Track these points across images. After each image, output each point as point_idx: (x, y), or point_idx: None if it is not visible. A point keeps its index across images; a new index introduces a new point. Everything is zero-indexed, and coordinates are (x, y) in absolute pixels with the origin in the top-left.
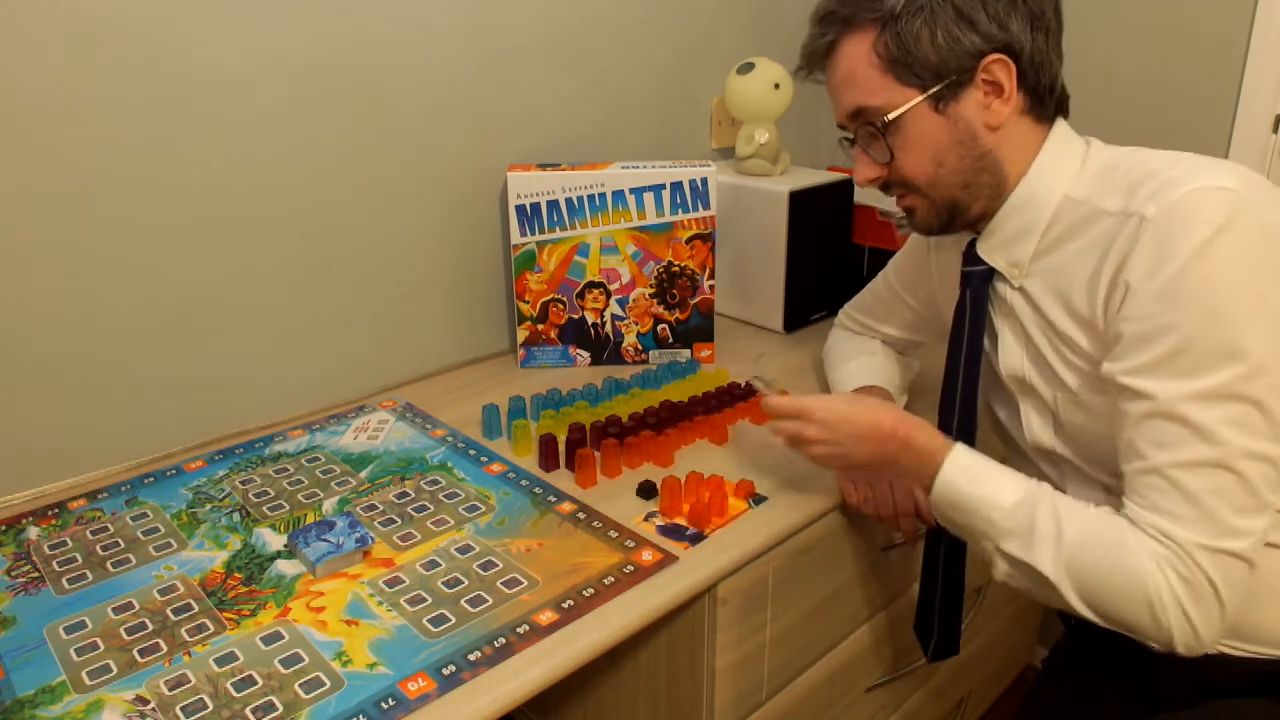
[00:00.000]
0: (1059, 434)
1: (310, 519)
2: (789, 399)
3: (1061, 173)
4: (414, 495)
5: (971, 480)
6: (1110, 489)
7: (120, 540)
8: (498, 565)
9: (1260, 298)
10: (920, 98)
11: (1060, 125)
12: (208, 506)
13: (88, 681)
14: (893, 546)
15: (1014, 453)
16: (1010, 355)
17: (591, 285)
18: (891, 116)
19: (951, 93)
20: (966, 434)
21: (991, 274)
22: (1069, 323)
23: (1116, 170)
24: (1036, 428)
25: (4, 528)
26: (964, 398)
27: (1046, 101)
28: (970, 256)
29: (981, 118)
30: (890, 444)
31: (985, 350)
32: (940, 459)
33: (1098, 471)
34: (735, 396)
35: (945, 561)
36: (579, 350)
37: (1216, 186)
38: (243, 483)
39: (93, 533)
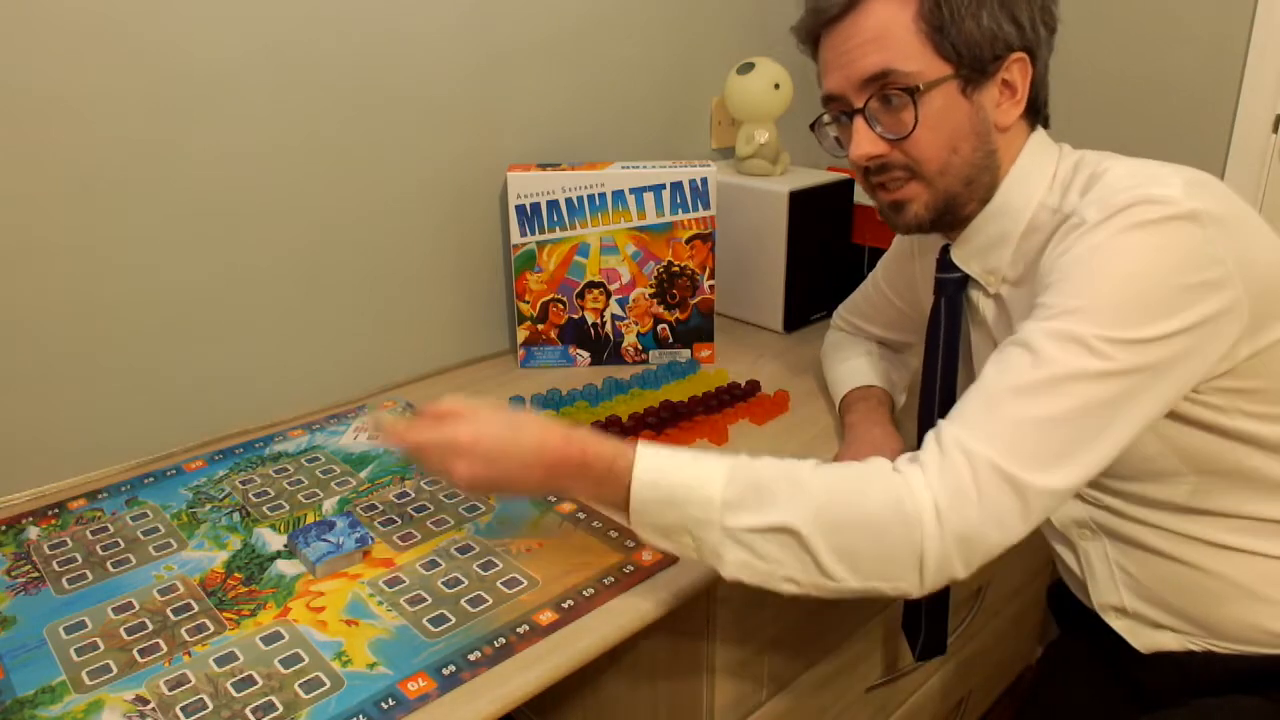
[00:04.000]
0: None
1: (310, 519)
2: (420, 426)
3: (1037, 180)
4: (414, 495)
5: (673, 469)
6: (1088, 499)
7: (120, 540)
8: (498, 565)
9: (1151, 285)
10: (954, 75)
11: (1039, 133)
12: (208, 506)
13: (88, 681)
14: None
15: None
16: (983, 364)
17: (591, 285)
18: (926, 83)
19: (978, 80)
20: None
21: (965, 281)
22: None
23: (1079, 175)
24: None
25: (4, 528)
26: (942, 406)
27: (1040, 112)
28: (944, 263)
29: (994, 115)
30: (565, 466)
31: (962, 356)
32: (627, 461)
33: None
34: (735, 396)
35: None
36: (579, 350)
37: (1159, 192)
38: (243, 483)
39: (93, 533)
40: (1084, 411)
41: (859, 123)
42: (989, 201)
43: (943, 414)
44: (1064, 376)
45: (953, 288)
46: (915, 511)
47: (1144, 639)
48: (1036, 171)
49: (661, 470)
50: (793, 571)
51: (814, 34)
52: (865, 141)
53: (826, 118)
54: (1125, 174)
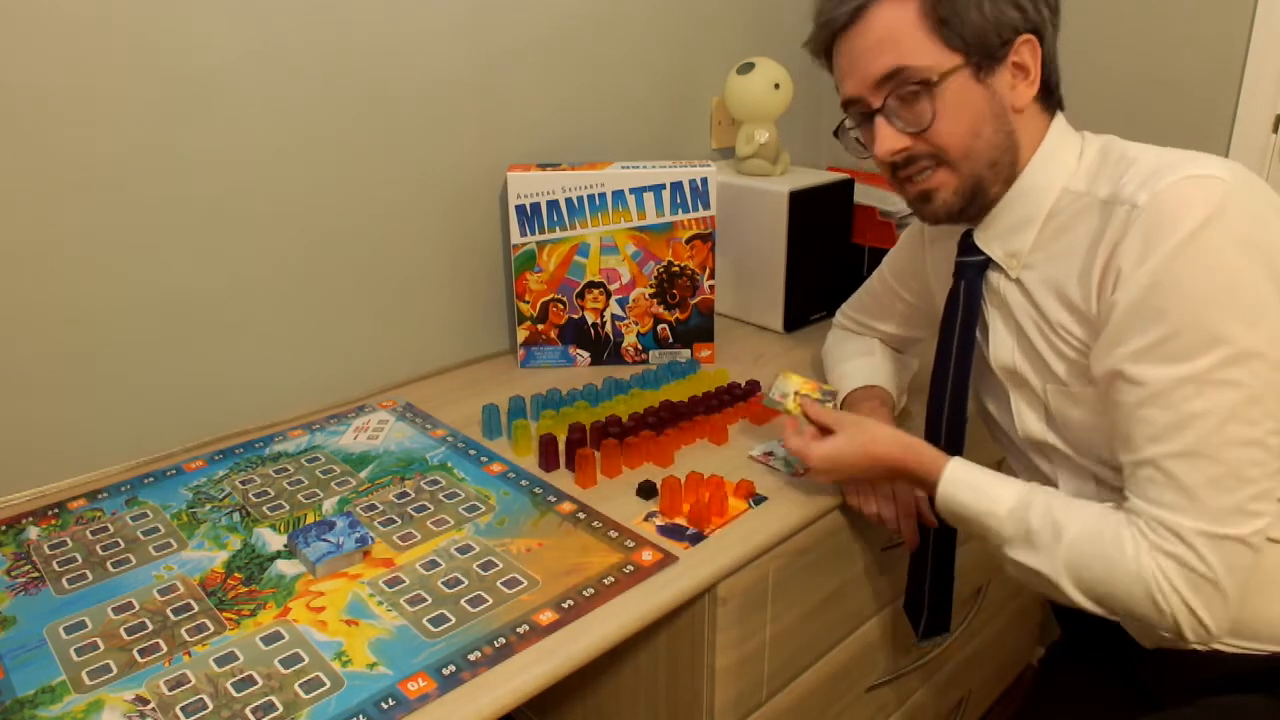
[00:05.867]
0: (1050, 425)
1: (310, 519)
2: (797, 443)
3: (1061, 164)
4: (414, 495)
5: (967, 492)
6: (1101, 479)
7: (120, 540)
8: (498, 565)
9: (1249, 284)
10: (964, 64)
11: (1059, 118)
12: (208, 506)
13: (88, 681)
14: (893, 546)
15: (1004, 444)
16: (1001, 347)
17: (591, 285)
18: (939, 75)
19: (989, 65)
20: (956, 426)
21: (986, 264)
22: (1063, 313)
23: (1108, 158)
24: (1028, 419)
25: (4, 528)
26: (954, 389)
27: (1054, 92)
28: (966, 246)
29: (1009, 98)
30: (889, 472)
31: (976, 342)
32: (936, 476)
33: (1088, 461)
34: (735, 396)
35: (935, 536)
36: (579, 350)
37: (1206, 174)
38: (243, 483)
39: (93, 533)
40: (1247, 441)
41: (880, 121)
42: (1012, 184)
43: (954, 398)
44: (1219, 424)
45: (973, 271)
46: (1170, 610)
47: (1150, 634)
48: (1060, 156)
49: (957, 492)
50: (1051, 592)
51: (826, 45)
52: (888, 138)
53: (849, 121)
54: (1159, 155)
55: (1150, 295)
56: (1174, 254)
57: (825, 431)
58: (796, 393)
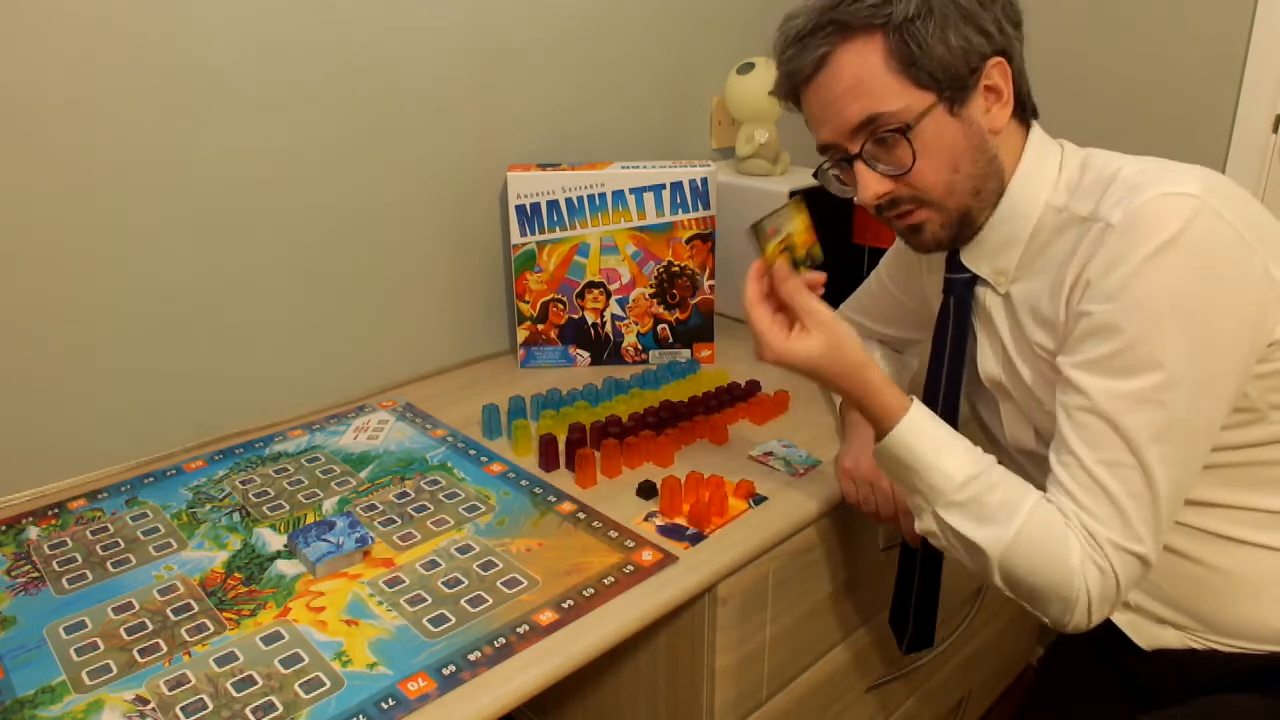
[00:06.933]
0: (1039, 439)
1: (310, 519)
2: (764, 325)
3: (1042, 179)
4: (414, 495)
5: (925, 444)
6: None
7: (120, 540)
8: (498, 565)
9: (1199, 307)
10: (937, 101)
11: (1036, 129)
12: (208, 506)
13: (88, 681)
14: (892, 546)
15: (998, 452)
16: (988, 361)
17: (591, 285)
18: (914, 119)
19: (962, 97)
20: None
21: (974, 280)
22: (1037, 330)
23: (1088, 174)
24: (1017, 430)
25: (4, 528)
26: (945, 402)
27: (1027, 106)
28: (954, 264)
29: (985, 122)
30: (839, 392)
31: (968, 352)
32: (893, 421)
33: None
34: (735, 396)
35: (923, 552)
36: (579, 350)
37: (1179, 193)
38: (243, 483)
39: (93, 533)
40: (1171, 461)
41: (860, 167)
42: (999, 205)
43: (946, 411)
44: (1149, 441)
45: (961, 287)
46: (1074, 608)
47: (1146, 635)
48: (1040, 172)
49: (914, 440)
50: (965, 561)
51: (793, 94)
52: (871, 183)
53: (827, 164)
54: (1138, 170)
55: (1109, 308)
56: (1134, 272)
57: (783, 310)
58: (789, 236)
